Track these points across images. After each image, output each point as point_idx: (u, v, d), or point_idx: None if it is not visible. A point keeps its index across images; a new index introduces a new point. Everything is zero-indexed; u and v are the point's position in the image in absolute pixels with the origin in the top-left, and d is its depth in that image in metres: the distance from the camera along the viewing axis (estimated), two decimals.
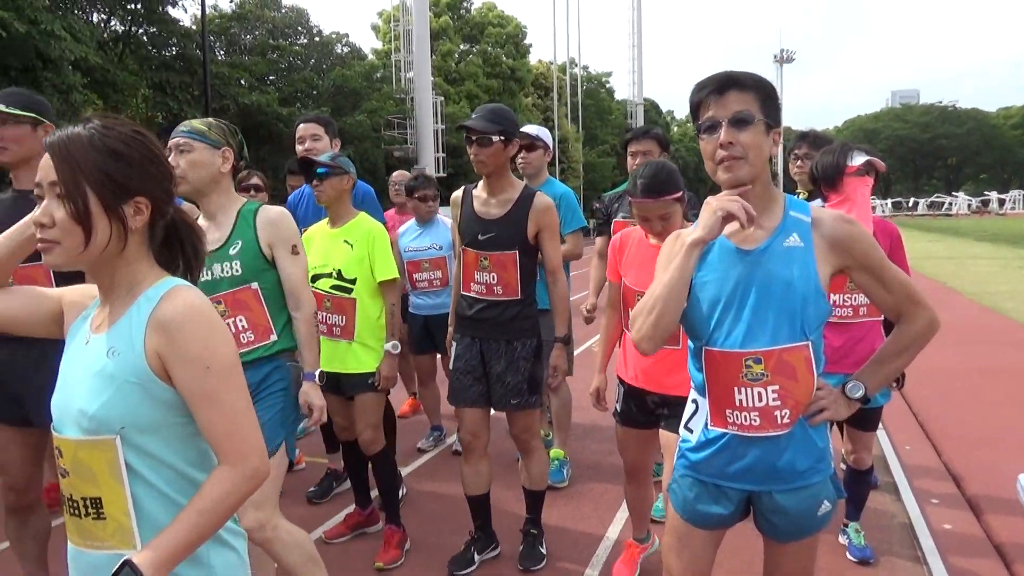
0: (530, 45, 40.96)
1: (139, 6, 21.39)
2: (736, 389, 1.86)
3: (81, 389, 1.37)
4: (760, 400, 1.84)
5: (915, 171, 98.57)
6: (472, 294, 3.28)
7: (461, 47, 38.38)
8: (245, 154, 2.71)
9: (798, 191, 4.06)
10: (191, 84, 22.28)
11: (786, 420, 1.85)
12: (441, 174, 27.79)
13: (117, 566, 1.26)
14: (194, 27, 23.95)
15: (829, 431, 1.99)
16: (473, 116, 3.23)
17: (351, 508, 3.95)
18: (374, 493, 3.93)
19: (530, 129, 4.47)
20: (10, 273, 1.61)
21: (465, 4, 39.63)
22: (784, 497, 1.90)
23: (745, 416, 1.86)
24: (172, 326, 1.34)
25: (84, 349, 1.43)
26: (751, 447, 1.88)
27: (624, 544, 3.47)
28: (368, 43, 53.09)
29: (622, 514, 4.00)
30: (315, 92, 28.71)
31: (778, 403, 1.83)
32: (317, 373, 2.71)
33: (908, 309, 1.90)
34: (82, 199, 1.33)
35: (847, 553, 3.51)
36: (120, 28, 22.44)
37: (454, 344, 3.39)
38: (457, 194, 3.42)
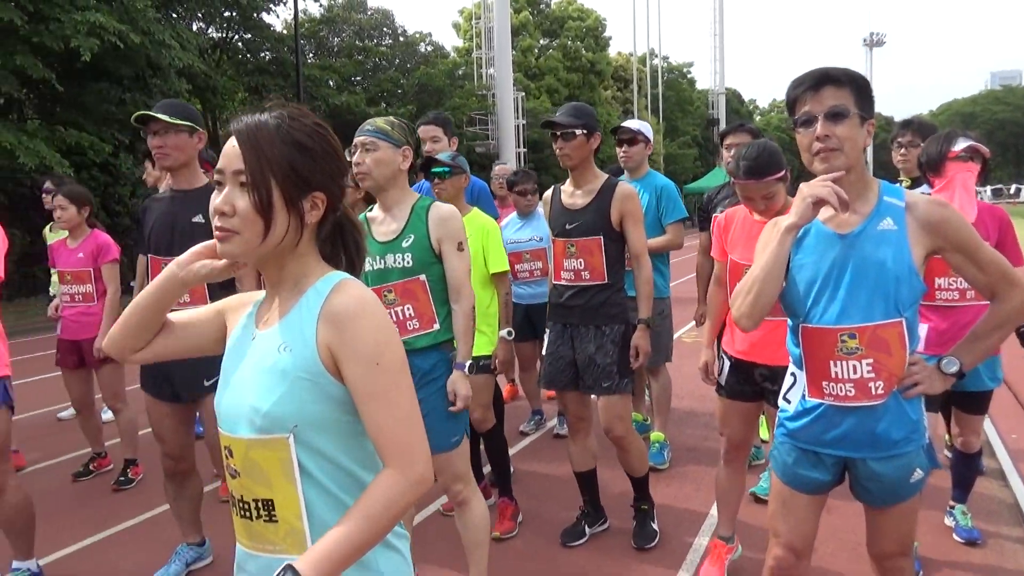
0: (610, 38, 40.81)
1: (235, 14, 22.40)
2: (832, 362, 2.00)
3: (252, 386, 1.32)
4: (855, 372, 1.98)
5: (1017, 156, 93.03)
6: (562, 282, 3.47)
7: (541, 42, 38.54)
8: (421, 151, 2.93)
9: (900, 179, 4.07)
10: (284, 87, 23.19)
11: (880, 391, 1.98)
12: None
13: (279, 570, 1.17)
14: (286, 32, 24.95)
15: (923, 405, 2.08)
16: (557, 113, 3.44)
17: None
18: (486, 469, 4.19)
19: (632, 124, 4.64)
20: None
21: None
22: (878, 464, 2.03)
23: (840, 387, 2.00)
24: (344, 318, 1.28)
25: (251, 345, 1.38)
26: (846, 416, 2.02)
27: (709, 545, 3.46)
28: (450, 41, 53.96)
29: None
30: (400, 91, 29.42)
31: (872, 375, 1.97)
32: (467, 364, 2.87)
33: (1003, 289, 1.98)
34: (266, 190, 1.28)
35: (954, 534, 3.55)
36: (217, 35, 23.58)
37: (547, 331, 3.59)
38: (547, 193, 3.66)
